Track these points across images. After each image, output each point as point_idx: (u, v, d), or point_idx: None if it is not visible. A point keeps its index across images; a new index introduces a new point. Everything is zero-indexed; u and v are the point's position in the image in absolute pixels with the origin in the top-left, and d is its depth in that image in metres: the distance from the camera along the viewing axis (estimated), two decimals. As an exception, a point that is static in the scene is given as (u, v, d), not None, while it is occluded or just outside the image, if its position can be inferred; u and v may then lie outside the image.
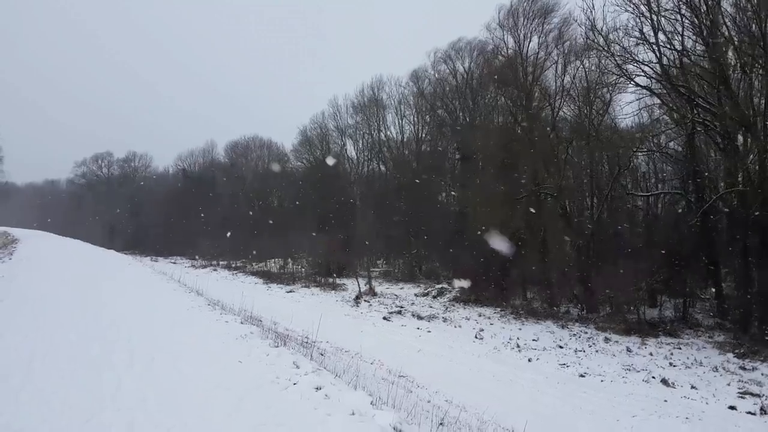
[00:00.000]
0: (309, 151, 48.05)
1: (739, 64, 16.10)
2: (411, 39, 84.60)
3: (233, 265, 44.19)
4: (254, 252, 41.38)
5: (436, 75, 36.57)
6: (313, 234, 33.06)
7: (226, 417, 5.49)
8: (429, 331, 17.37)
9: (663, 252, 18.22)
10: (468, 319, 19.32)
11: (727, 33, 16.24)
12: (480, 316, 19.97)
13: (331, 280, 30.72)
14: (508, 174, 22.96)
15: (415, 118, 40.39)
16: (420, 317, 19.72)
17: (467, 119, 32.94)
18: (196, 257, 50.38)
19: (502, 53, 26.95)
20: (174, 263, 51.45)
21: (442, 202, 34.61)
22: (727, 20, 16.29)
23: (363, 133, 45.04)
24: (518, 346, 15.13)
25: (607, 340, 15.82)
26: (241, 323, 14.40)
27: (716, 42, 16.36)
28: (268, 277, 35.46)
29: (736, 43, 16.03)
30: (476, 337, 16.40)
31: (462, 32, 71.96)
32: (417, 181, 31.88)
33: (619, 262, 18.34)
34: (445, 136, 36.05)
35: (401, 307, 21.75)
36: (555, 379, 11.98)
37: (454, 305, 22.48)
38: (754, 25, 15.49)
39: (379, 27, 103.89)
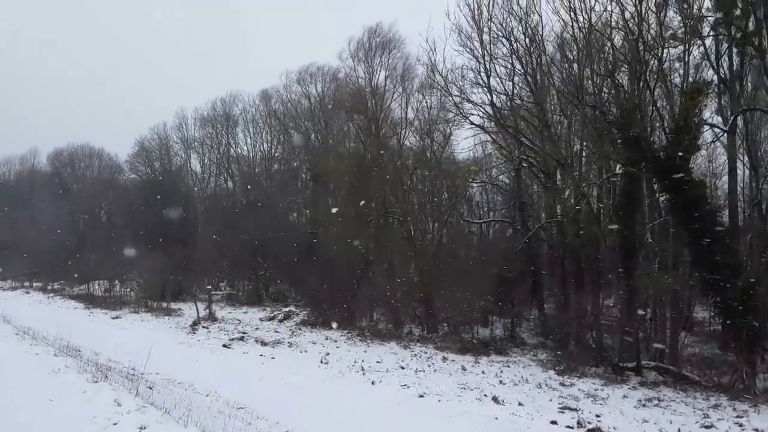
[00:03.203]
0: (146, 163, 44.28)
1: (559, 108, 18.44)
2: (264, 56, 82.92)
3: (50, 287, 38.64)
4: (75, 273, 36.46)
5: (289, 96, 36.37)
6: (147, 253, 30.08)
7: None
8: (273, 358, 16.56)
9: (494, 275, 19.81)
10: (314, 343, 18.87)
11: (551, 80, 18.52)
12: (327, 339, 19.63)
13: (165, 304, 28.04)
14: (358, 197, 23.35)
15: (268, 136, 39.59)
16: (264, 343, 18.77)
17: (320, 141, 33.08)
18: (6, 278, 43.29)
19: (353, 82, 27.79)
20: (-26, 284, 43.59)
21: (292, 223, 34.04)
22: (552, 69, 18.59)
23: (211, 147, 42.87)
24: (363, 369, 15.05)
25: (444, 359, 16.49)
26: (55, 355, 12.53)
27: (541, 88, 18.53)
28: (91, 301, 31.36)
29: (557, 89, 18.35)
30: (322, 362, 16.02)
31: (315, 55, 73.09)
32: (267, 200, 30.92)
33: (457, 284, 19.50)
34: (298, 156, 35.78)
35: (244, 333, 20.53)
36: (396, 400, 12.02)
37: (301, 329, 21.83)
38: (573, 76, 17.90)
39: (232, 42, 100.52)
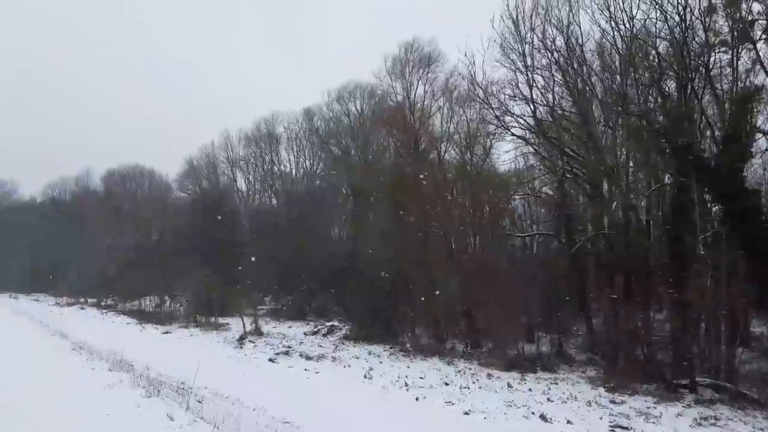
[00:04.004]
0: (195, 182, 45.96)
1: (602, 119, 18.07)
2: (306, 74, 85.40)
3: (103, 303, 40.51)
4: (127, 289, 37.95)
5: (330, 113, 37.17)
6: (195, 270, 31.03)
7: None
8: (317, 372, 16.70)
9: (539, 289, 19.41)
10: (358, 358, 18.94)
11: (593, 90, 18.19)
12: (370, 354, 19.67)
13: (213, 319, 28.79)
14: (398, 212, 23.44)
15: (309, 153, 40.46)
16: (309, 357, 18.95)
17: (359, 157, 33.50)
18: (62, 294, 45.46)
19: (391, 98, 28.25)
20: (37, 301, 46.10)
21: (334, 238, 34.42)
22: (593, 79, 18.28)
23: (255, 165, 44.14)
24: (406, 385, 14.99)
25: (489, 376, 16.22)
26: (110, 370, 13.05)
27: (583, 98, 18.23)
28: (142, 316, 32.64)
29: (600, 99, 18.02)
30: (365, 377, 16.06)
31: (355, 71, 74.54)
32: (309, 215, 31.45)
33: (500, 299, 19.18)
34: (339, 172, 36.34)
35: (289, 348, 20.79)
36: (441, 417, 11.92)
37: (344, 344, 21.97)
38: (616, 85, 17.55)
39: (275, 61, 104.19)
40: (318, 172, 40.09)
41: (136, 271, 36.23)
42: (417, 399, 13.53)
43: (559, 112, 19.74)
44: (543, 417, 11.80)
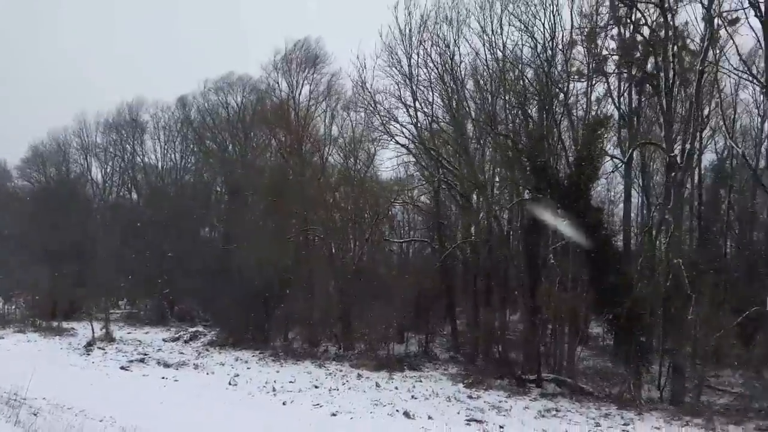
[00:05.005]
0: (41, 170, 40.62)
1: (475, 136, 19.32)
2: (180, 61, 79.17)
3: None
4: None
5: (207, 105, 34.85)
6: (36, 268, 27.43)
7: None
8: (176, 380, 15.73)
9: (411, 293, 20.14)
10: (223, 365, 18.16)
11: (468, 109, 19.38)
12: (237, 360, 18.96)
13: (56, 324, 25.71)
14: (277, 213, 22.86)
15: (179, 146, 37.72)
16: (167, 365, 17.80)
17: (237, 153, 32.05)
18: None
19: (275, 95, 27.47)
20: None
21: (204, 238, 32.52)
22: (468, 97, 19.51)
23: (114, 155, 40.11)
24: (274, 390, 14.68)
25: (359, 376, 16.50)
26: None
27: (460, 115, 19.36)
28: (-32, 320, 28.07)
29: (474, 118, 19.26)
30: (230, 384, 15.39)
31: (236, 64, 71.28)
32: (175, 213, 29.37)
33: (375, 302, 19.58)
34: (213, 168, 34.32)
35: (145, 354, 19.38)
36: (308, 420, 11.86)
37: (208, 350, 20.92)
38: (487, 105, 18.88)
39: (142, 43, 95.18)
40: (189, 166, 37.44)
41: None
42: (284, 403, 13.33)
43: (438, 126, 20.72)
44: (406, 414, 12.26)
